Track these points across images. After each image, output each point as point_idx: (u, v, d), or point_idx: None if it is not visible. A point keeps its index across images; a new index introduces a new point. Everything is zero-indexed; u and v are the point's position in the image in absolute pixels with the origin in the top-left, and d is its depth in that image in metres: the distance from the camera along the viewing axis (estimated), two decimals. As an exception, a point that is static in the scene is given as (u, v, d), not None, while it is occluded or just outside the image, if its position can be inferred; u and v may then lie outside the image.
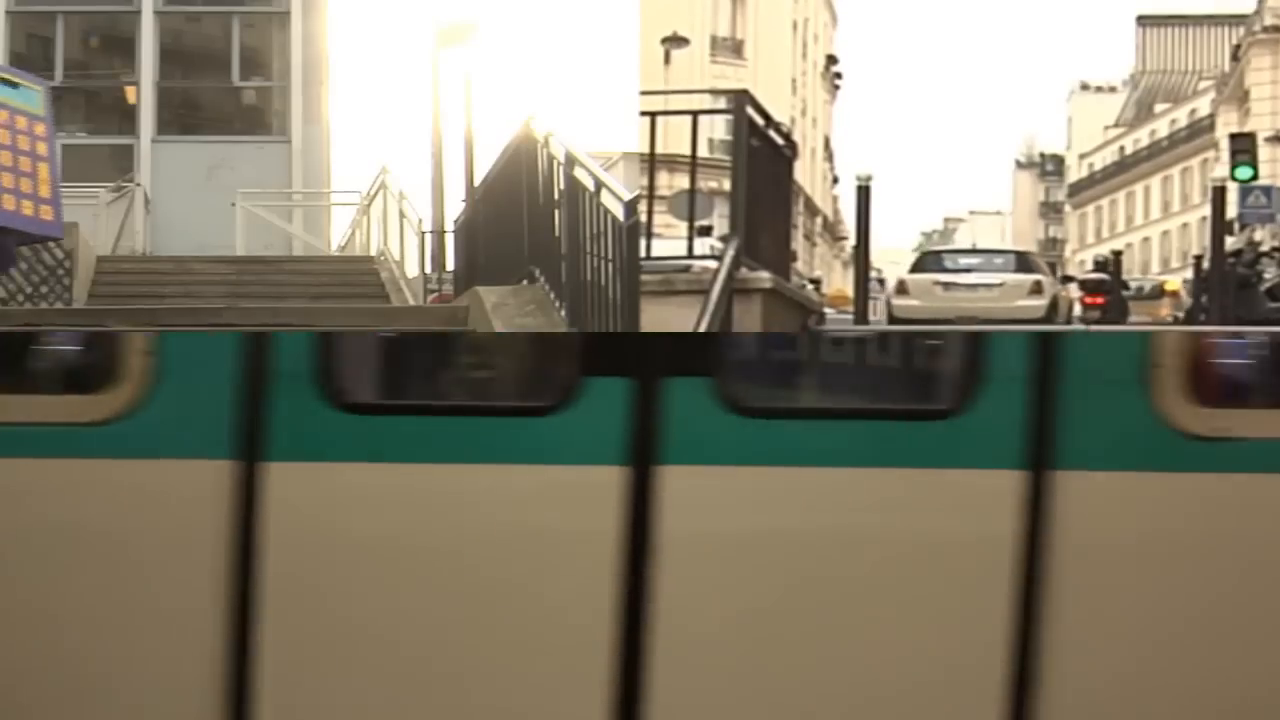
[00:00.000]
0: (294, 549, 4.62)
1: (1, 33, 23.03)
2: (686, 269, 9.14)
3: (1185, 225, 63.44)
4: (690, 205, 10.16)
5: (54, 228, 13.32)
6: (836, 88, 63.32)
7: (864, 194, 11.64)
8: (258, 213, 20.69)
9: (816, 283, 31.80)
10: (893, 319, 19.48)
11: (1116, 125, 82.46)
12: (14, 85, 12.54)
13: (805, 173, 49.95)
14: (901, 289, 19.97)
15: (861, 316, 12.07)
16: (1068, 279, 26.34)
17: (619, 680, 4.57)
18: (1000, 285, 19.77)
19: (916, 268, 20.87)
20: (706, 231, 13.61)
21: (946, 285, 19.72)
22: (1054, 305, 20.06)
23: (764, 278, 8.02)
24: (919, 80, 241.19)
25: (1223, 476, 4.46)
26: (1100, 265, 24.49)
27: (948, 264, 20.66)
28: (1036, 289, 19.82)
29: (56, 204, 13.20)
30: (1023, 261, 21.25)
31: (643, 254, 7.98)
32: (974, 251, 23.40)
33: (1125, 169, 76.85)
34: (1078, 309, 21.68)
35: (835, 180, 64.20)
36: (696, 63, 43.01)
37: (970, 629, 4.51)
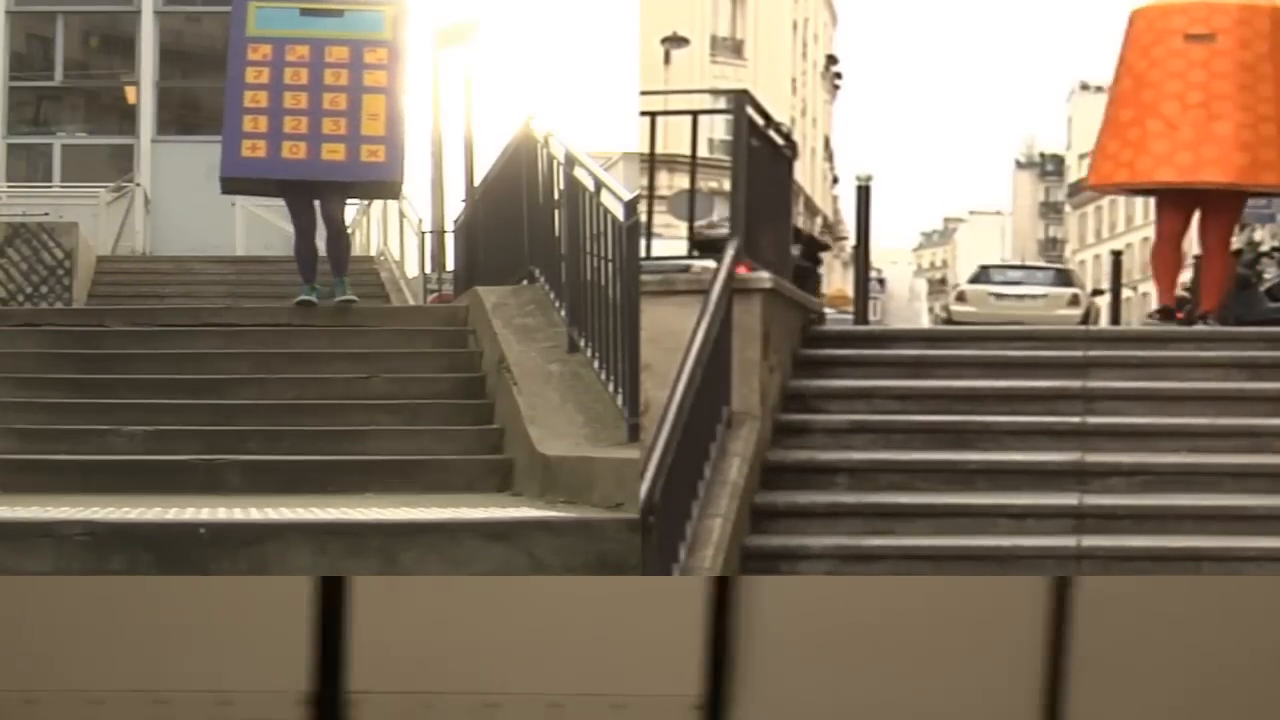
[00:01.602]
0: None
1: (1, 32, 23.02)
2: (686, 269, 9.14)
3: (1185, 225, 63.33)
4: (690, 205, 10.14)
5: (384, 170, 11.21)
6: (836, 88, 63.24)
7: (864, 194, 11.58)
8: (258, 213, 20.66)
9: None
10: (950, 322, 22.99)
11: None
12: (338, 14, 11.09)
13: (805, 173, 49.90)
14: (960, 298, 24.17)
15: (861, 317, 12.03)
16: (1099, 291, 30.19)
17: None
18: (1044, 296, 23.59)
19: (973, 280, 24.97)
20: (707, 232, 13.58)
21: (998, 296, 23.54)
22: (1087, 314, 23.68)
23: (764, 278, 8.00)
24: (919, 80, 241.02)
25: None
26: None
27: (997, 278, 24.84)
28: (1074, 301, 23.67)
29: (392, 142, 11.15)
30: (1062, 276, 25.74)
31: (643, 254, 7.97)
32: (1022, 267, 28.69)
33: (1125, 169, 76.69)
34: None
35: (835, 180, 64.12)
36: (696, 63, 42.95)
37: None
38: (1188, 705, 5.20)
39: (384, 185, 11.35)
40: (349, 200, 12.20)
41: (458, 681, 5.21)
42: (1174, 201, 10.75)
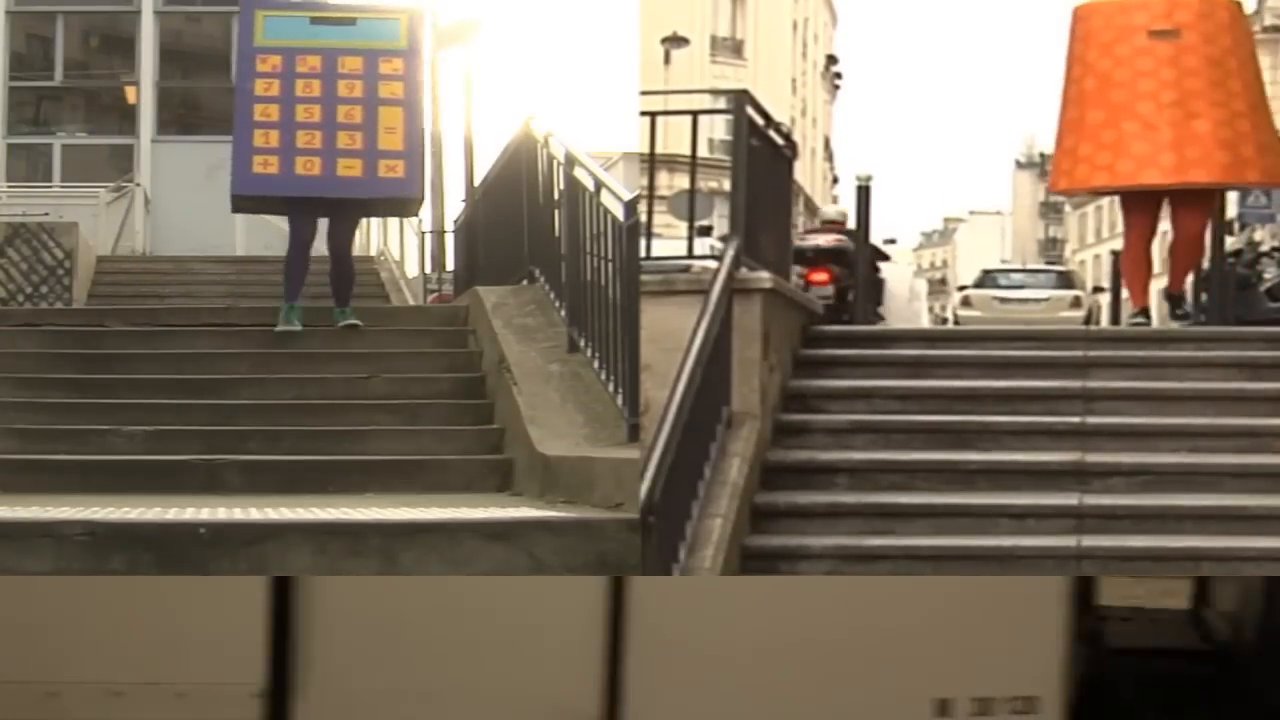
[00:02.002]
0: None
1: (2, 32, 23.02)
2: (686, 269, 9.13)
3: (1185, 225, 63.26)
4: (690, 205, 10.14)
5: (404, 185, 10.18)
6: (836, 88, 63.24)
7: (864, 194, 11.58)
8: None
9: (817, 282, 32.04)
10: (957, 325, 23.37)
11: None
12: (350, 22, 10.59)
13: (805, 173, 49.88)
14: (965, 302, 24.69)
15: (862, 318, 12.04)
16: (1099, 289, 30.24)
17: None
18: (1047, 300, 24.13)
19: (977, 284, 25.56)
20: (707, 232, 13.58)
21: (1003, 300, 24.12)
22: (1090, 315, 23.89)
23: (764, 278, 8.00)
24: (919, 80, 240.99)
25: None
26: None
27: (1001, 281, 25.45)
28: (1076, 303, 24.16)
29: (411, 157, 10.17)
30: (1064, 279, 26.32)
31: (643, 254, 7.97)
32: (1025, 271, 29.45)
33: (1125, 169, 76.64)
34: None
35: (835, 180, 64.12)
36: (696, 63, 42.95)
37: None
38: (740, 695, 5.53)
39: (404, 202, 10.68)
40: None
41: (16, 671, 5.36)
42: (1142, 202, 10.62)
